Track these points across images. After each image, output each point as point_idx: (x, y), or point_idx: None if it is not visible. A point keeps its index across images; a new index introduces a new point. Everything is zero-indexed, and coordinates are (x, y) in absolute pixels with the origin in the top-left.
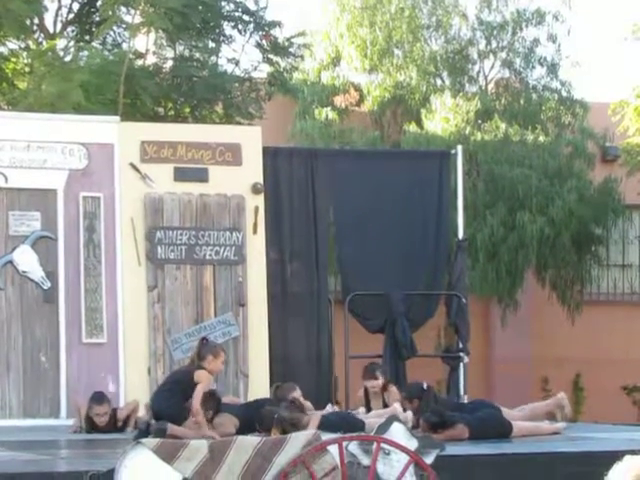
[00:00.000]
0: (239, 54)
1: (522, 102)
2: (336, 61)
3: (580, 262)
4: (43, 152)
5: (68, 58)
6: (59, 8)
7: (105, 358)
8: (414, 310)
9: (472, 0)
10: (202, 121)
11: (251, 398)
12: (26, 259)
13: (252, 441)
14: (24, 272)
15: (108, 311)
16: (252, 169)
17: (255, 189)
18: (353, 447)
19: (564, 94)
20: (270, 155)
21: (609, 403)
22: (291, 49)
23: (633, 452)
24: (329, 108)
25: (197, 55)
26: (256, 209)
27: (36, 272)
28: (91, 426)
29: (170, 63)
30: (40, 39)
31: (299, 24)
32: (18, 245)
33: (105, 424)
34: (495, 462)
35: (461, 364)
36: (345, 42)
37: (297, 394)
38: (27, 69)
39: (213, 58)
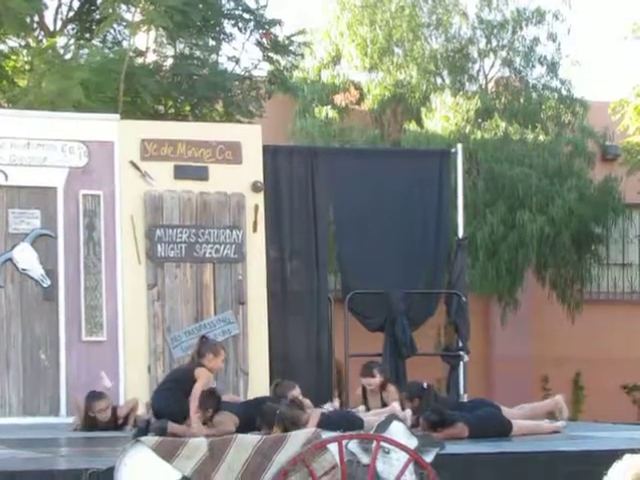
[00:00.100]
0: (239, 52)
1: (522, 101)
2: (336, 59)
3: (580, 261)
4: (43, 150)
5: (68, 56)
6: (59, 6)
7: (105, 356)
8: (414, 309)
9: None
10: (202, 119)
11: (251, 396)
12: (26, 257)
13: (252, 439)
14: (24, 270)
15: (108, 309)
16: (252, 167)
17: (255, 187)
18: (353, 445)
19: (564, 93)
20: (270, 153)
21: (609, 402)
22: (291, 47)
23: (633, 451)
24: (329, 106)
25: (197, 53)
26: (256, 207)
27: (36, 270)
28: (90, 426)
29: (170, 61)
30: (40, 37)
31: (299, 22)
32: (18, 243)
33: (107, 419)
34: (495, 461)
35: (461, 363)
36: (345, 40)
37: (296, 392)
38: (27, 67)
39: (213, 56)
